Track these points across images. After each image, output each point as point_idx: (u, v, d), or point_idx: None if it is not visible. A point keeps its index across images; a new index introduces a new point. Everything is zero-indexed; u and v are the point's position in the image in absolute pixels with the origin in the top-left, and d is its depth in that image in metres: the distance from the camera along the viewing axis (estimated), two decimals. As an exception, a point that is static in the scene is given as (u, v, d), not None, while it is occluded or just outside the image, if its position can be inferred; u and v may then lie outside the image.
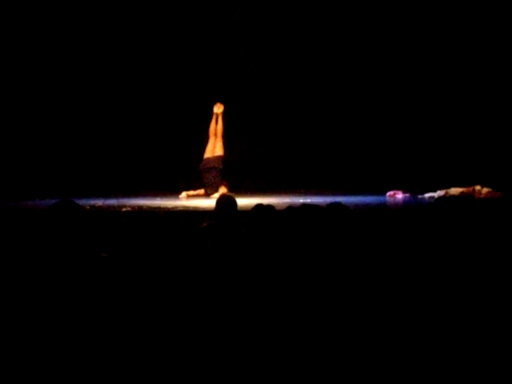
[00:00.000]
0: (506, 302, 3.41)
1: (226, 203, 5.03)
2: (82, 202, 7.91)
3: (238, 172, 11.23)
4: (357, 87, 11.36)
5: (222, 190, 10.23)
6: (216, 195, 9.72)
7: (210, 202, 8.41)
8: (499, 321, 3.36)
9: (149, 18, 11.48)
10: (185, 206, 8.56)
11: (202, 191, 10.49)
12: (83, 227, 4.11)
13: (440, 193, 9.31)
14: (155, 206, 8.58)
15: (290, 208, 4.06)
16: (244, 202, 7.92)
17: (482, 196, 9.33)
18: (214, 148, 10.70)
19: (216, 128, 10.80)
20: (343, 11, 11.31)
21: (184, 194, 10.28)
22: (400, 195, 9.92)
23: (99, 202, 8.76)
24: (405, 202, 9.34)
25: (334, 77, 11.41)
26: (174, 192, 10.36)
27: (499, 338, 3.35)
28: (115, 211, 7.90)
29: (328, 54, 11.41)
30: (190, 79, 11.56)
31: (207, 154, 10.67)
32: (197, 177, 10.65)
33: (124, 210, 7.92)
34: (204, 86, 11.50)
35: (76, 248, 3.97)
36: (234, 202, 5.10)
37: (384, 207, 8.67)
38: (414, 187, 10.04)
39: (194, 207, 8.49)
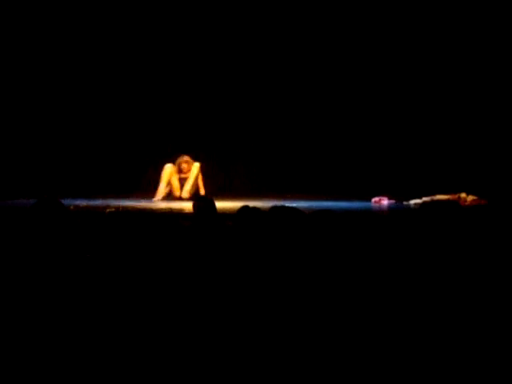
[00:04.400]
0: (487, 305, 3.41)
1: (203, 204, 4.98)
2: (67, 202, 7.87)
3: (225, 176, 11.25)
4: (343, 94, 11.39)
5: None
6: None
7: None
8: (484, 321, 3.36)
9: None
10: (170, 208, 8.55)
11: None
12: (67, 226, 4.08)
13: (425, 200, 9.34)
14: (140, 207, 8.57)
15: (274, 208, 4.05)
16: (230, 205, 7.92)
17: (467, 203, 9.39)
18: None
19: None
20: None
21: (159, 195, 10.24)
22: (385, 201, 9.94)
23: (83, 203, 8.74)
24: (390, 208, 9.37)
25: (320, 82, 11.44)
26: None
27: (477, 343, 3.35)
28: (99, 212, 7.88)
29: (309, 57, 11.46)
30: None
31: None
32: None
33: (108, 210, 7.90)
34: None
35: (60, 248, 3.93)
36: (212, 203, 5.05)
37: (369, 212, 8.69)
38: (399, 194, 10.06)
39: (179, 209, 8.47)
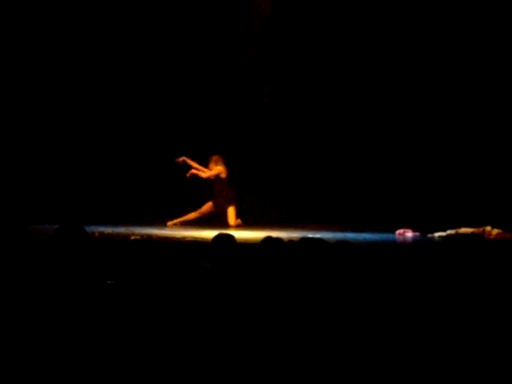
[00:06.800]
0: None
1: (222, 243, 4.63)
2: (92, 228, 7.91)
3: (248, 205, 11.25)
4: (370, 125, 11.41)
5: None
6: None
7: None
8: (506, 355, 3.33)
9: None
10: (193, 237, 8.55)
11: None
12: (89, 252, 4.09)
13: (450, 232, 9.27)
14: (164, 235, 8.59)
15: (301, 241, 4.04)
16: (253, 235, 7.92)
17: (492, 237, 9.32)
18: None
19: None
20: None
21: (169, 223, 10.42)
22: (409, 234, 9.89)
23: (108, 230, 8.77)
24: (414, 241, 9.32)
25: (345, 112, 11.48)
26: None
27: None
28: (123, 239, 7.90)
29: (339, 90, 11.50)
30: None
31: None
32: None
33: (133, 238, 7.92)
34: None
35: (82, 274, 3.95)
36: (232, 241, 4.68)
37: (392, 244, 8.66)
38: (423, 226, 10.01)
39: (203, 238, 8.46)
